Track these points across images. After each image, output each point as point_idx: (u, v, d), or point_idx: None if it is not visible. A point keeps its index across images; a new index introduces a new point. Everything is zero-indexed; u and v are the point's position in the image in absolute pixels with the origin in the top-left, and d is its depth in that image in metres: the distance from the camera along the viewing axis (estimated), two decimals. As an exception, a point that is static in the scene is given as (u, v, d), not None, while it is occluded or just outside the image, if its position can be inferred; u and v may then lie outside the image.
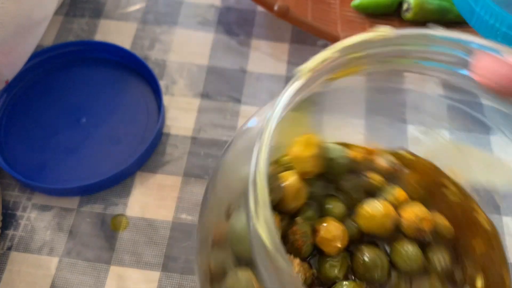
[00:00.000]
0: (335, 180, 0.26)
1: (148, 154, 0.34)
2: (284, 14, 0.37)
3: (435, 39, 0.21)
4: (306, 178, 0.25)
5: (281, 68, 0.39)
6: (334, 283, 0.24)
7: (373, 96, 0.31)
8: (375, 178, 0.27)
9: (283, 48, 0.40)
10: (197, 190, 0.34)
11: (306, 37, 0.41)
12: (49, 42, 0.39)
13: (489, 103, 0.22)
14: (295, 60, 0.39)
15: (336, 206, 0.26)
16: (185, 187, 0.34)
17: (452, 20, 0.40)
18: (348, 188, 0.26)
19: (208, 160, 0.35)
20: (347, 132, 0.31)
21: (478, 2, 0.34)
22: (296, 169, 0.25)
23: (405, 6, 0.40)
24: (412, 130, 0.32)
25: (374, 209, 0.25)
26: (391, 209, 0.25)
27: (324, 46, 0.22)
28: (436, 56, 0.21)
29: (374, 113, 0.32)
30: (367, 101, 0.32)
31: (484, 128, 0.25)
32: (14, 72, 0.34)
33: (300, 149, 0.24)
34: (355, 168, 0.27)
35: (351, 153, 0.27)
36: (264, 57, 0.39)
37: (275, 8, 0.36)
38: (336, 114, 0.30)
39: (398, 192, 0.26)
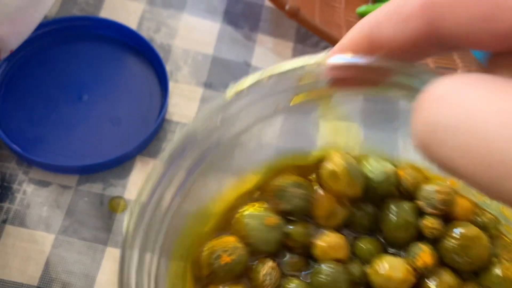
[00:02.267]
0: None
1: (150, 139, 0.35)
2: (294, 14, 0.37)
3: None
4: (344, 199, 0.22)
5: (284, 66, 0.40)
6: None
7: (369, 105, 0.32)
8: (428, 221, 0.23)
9: (287, 46, 0.41)
10: (196, 179, 0.34)
11: (309, 36, 0.41)
12: (52, 13, 0.38)
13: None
14: (298, 60, 0.40)
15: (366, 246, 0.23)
16: (184, 174, 0.34)
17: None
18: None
19: (209, 150, 0.35)
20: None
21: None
22: (328, 187, 0.22)
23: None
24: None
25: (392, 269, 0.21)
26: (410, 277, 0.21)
27: (325, 47, 0.22)
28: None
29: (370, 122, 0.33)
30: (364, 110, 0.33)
31: None
32: (20, 41, 0.33)
33: (332, 164, 0.22)
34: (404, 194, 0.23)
35: (399, 173, 0.23)
36: (268, 53, 0.40)
37: (287, 7, 0.37)
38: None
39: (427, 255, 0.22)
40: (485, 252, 0.22)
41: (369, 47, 0.17)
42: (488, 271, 0.22)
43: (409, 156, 0.28)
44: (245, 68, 0.39)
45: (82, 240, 0.31)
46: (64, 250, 0.31)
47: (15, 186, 0.32)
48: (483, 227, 0.23)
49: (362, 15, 0.42)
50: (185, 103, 0.37)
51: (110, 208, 0.32)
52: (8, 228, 0.31)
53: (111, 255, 0.31)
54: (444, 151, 0.12)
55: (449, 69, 0.40)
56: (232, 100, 0.19)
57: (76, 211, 0.32)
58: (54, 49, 0.37)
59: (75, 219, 0.32)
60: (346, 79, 0.19)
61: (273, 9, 0.42)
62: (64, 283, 0.30)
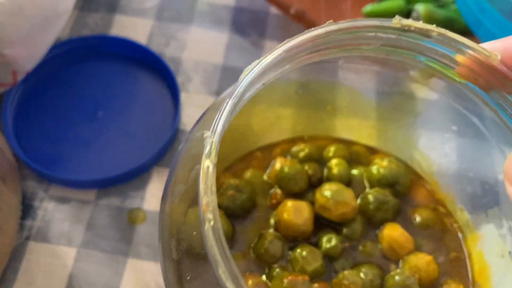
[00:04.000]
0: None
1: (165, 150, 0.35)
2: (300, 17, 0.38)
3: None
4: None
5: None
6: None
7: (383, 99, 0.32)
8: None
9: (296, 50, 0.41)
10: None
11: (317, 40, 0.42)
12: (64, 35, 0.40)
13: (488, 114, 0.23)
14: (307, 63, 0.40)
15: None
16: (201, 183, 0.34)
17: (460, 30, 0.41)
18: None
19: (223, 157, 0.36)
20: (360, 134, 0.32)
21: (485, 13, 0.35)
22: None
23: (414, 15, 0.42)
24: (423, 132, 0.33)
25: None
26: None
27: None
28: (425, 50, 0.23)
29: (384, 117, 0.33)
30: (379, 103, 0.33)
31: (485, 139, 0.26)
32: (34, 63, 0.34)
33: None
34: None
35: None
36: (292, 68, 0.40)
37: (292, 11, 0.37)
38: (352, 116, 0.31)
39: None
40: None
41: None
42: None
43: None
44: (255, 75, 0.39)
45: (103, 252, 0.32)
46: (86, 263, 0.31)
47: (36, 204, 0.33)
48: None
49: (368, 15, 0.42)
50: (197, 112, 0.37)
51: (129, 220, 0.33)
52: (32, 244, 0.31)
53: (132, 266, 0.31)
54: None
55: None
56: None
57: (96, 225, 0.33)
58: (68, 69, 0.38)
59: (95, 233, 0.32)
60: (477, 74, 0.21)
61: (279, 15, 0.43)
62: (88, 296, 0.30)
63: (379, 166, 0.29)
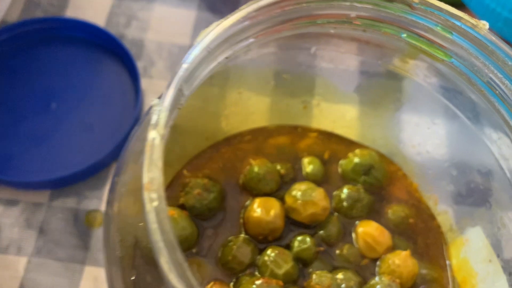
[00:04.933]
0: None
1: (125, 143, 0.32)
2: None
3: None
4: None
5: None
6: None
7: (365, 81, 0.29)
8: None
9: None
10: (179, 183, 0.31)
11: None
12: (13, 18, 0.36)
13: (474, 97, 0.20)
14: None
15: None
16: (166, 179, 0.31)
17: (450, 2, 0.38)
18: None
19: (191, 149, 0.32)
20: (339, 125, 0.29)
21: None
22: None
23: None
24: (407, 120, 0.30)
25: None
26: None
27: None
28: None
29: (364, 108, 0.30)
30: (360, 89, 0.29)
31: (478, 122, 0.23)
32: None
33: None
34: None
35: None
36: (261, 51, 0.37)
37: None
38: (331, 104, 0.28)
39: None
40: None
41: None
42: None
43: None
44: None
45: (57, 261, 0.29)
46: (38, 273, 0.28)
47: (-18, 209, 0.30)
48: None
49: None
50: (162, 101, 0.34)
51: (86, 223, 0.30)
52: (-23, 254, 0.28)
53: (90, 274, 0.28)
54: None
55: None
56: None
57: (49, 230, 0.29)
58: (17, 55, 0.34)
59: (49, 239, 0.29)
60: None
61: (252, -10, 0.39)
62: (40, 310, 0.27)
63: (354, 155, 0.26)
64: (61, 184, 0.30)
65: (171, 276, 0.14)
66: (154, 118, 0.16)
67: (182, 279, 0.14)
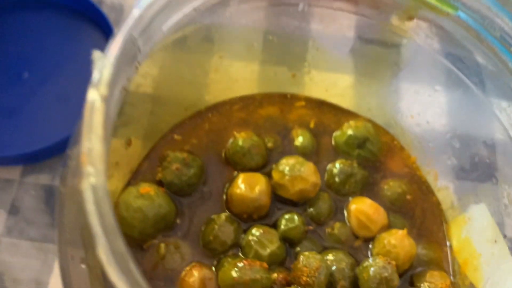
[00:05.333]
0: None
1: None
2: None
3: None
4: None
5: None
6: None
7: (360, 44, 0.26)
8: None
9: None
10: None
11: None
12: (-17, -19, 0.33)
13: (481, 59, 0.18)
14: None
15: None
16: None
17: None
18: None
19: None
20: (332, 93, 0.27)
21: None
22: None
23: None
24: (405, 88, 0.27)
25: None
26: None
27: None
28: None
29: (363, 68, 0.27)
30: (355, 54, 0.27)
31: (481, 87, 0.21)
32: None
33: None
34: None
35: None
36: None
37: None
38: (323, 71, 0.26)
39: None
40: None
41: None
42: None
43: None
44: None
45: (30, 241, 0.27)
46: (9, 255, 0.27)
47: None
48: None
49: None
50: (142, 70, 0.31)
51: (61, 201, 0.28)
52: None
53: (64, 255, 0.27)
54: None
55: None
56: None
57: (21, 208, 0.28)
58: (-14, 22, 0.32)
59: (20, 217, 0.27)
60: None
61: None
62: (11, 294, 0.26)
63: (347, 127, 0.24)
64: (34, 159, 0.29)
65: (110, 269, 0.11)
66: (95, 76, 0.13)
67: (123, 273, 0.11)
